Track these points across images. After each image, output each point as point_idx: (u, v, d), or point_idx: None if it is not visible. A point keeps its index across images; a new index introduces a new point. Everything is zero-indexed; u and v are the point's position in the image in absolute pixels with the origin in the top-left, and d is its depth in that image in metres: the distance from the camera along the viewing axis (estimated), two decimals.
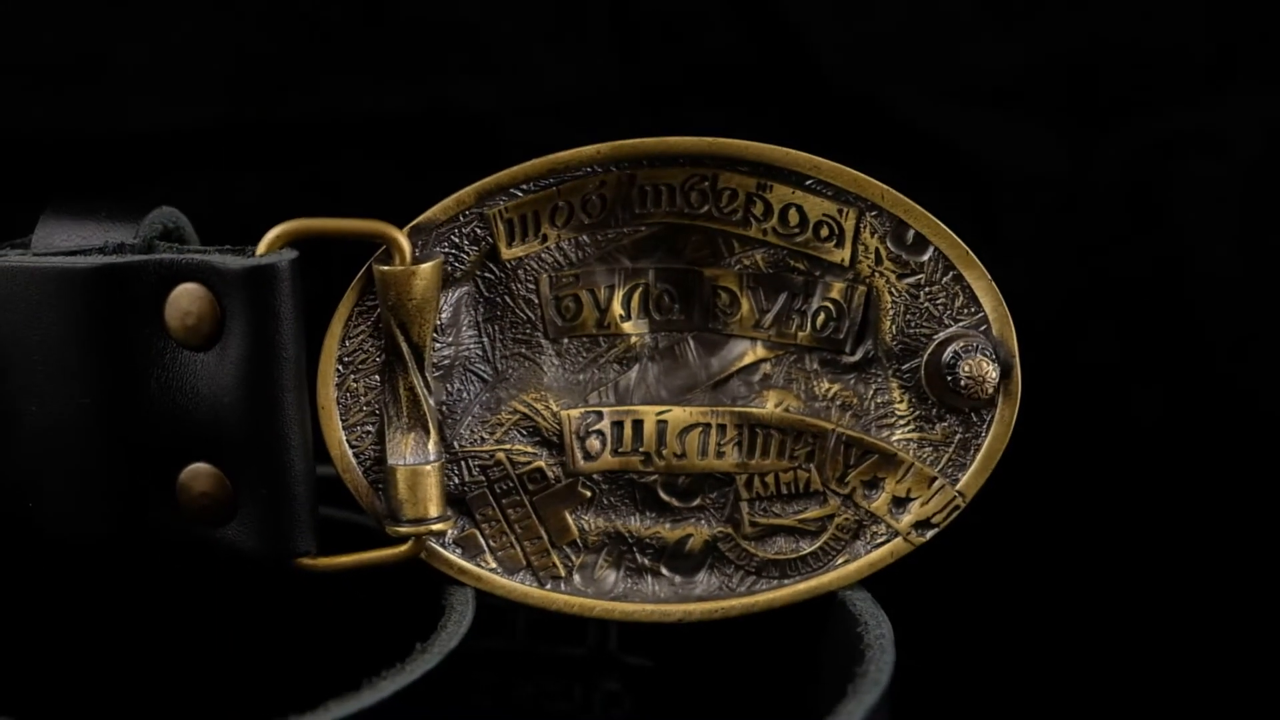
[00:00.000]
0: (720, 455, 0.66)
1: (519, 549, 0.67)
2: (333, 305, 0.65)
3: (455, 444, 0.66)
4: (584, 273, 0.66)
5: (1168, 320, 0.98)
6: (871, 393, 0.66)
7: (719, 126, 0.72)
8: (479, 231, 0.65)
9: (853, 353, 0.66)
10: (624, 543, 0.67)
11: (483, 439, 0.66)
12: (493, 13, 0.96)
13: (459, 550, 0.67)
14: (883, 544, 0.66)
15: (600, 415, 0.66)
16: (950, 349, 0.64)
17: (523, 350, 0.66)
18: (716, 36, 0.97)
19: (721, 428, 0.66)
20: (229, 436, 0.63)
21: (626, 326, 0.66)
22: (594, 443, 0.66)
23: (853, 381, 0.66)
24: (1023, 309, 0.97)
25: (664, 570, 0.67)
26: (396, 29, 0.96)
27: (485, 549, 0.67)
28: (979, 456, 0.65)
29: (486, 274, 0.66)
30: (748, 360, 0.66)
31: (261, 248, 0.63)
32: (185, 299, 0.62)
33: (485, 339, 0.66)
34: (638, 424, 0.66)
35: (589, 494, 0.67)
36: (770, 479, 0.66)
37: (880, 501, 0.66)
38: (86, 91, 0.95)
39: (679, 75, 0.97)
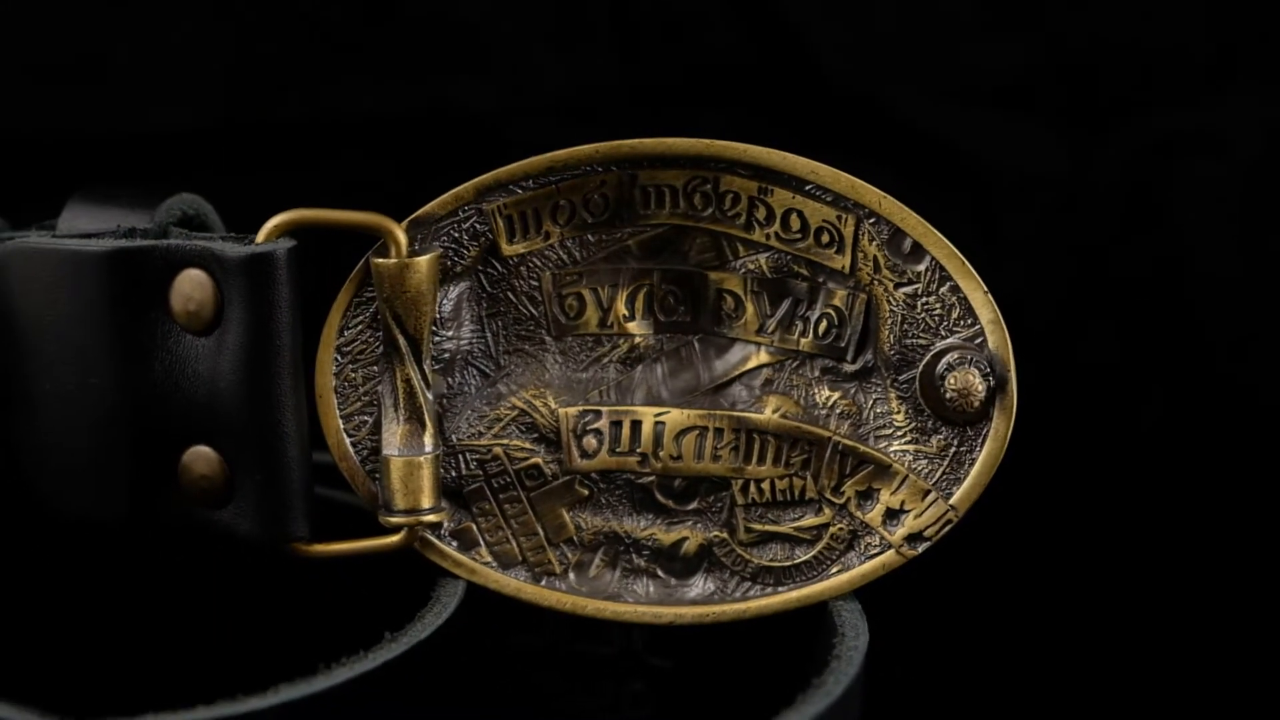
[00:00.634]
0: (716, 459, 0.66)
1: (515, 544, 0.67)
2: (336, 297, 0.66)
3: (454, 437, 0.66)
4: (588, 271, 0.66)
5: (1168, 320, 0.98)
6: (871, 402, 0.65)
7: (719, 127, 0.72)
8: (479, 227, 0.65)
9: (853, 361, 0.65)
10: (620, 543, 0.67)
11: (481, 433, 0.67)
12: (493, 13, 0.96)
13: (455, 543, 0.67)
14: (875, 555, 0.65)
15: (599, 414, 0.66)
16: (944, 361, 0.64)
17: (525, 346, 0.66)
18: (716, 36, 0.97)
19: (719, 431, 0.66)
20: (226, 420, 0.64)
21: (631, 327, 0.66)
22: (591, 441, 0.66)
23: (853, 390, 0.66)
24: (1022, 309, 0.98)
25: (659, 572, 0.67)
26: (396, 29, 0.96)
27: (481, 542, 0.67)
28: (973, 471, 0.65)
29: (489, 270, 0.66)
30: (750, 365, 0.66)
31: (260, 236, 0.64)
32: (188, 284, 0.64)
33: (488, 334, 0.66)
34: (636, 424, 0.66)
35: (586, 492, 0.67)
36: (766, 485, 0.66)
37: (874, 513, 0.65)
38: (87, 91, 0.96)
39: (679, 75, 0.97)
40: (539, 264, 0.66)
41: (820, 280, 0.65)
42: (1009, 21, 0.96)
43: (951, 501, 0.65)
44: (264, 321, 0.63)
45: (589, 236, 0.65)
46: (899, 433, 0.65)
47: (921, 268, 0.64)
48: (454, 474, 0.67)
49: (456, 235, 0.65)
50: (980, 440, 0.64)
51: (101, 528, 0.67)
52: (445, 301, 0.66)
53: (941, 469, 0.65)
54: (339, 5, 0.96)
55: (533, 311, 0.66)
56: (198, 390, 0.64)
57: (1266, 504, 0.97)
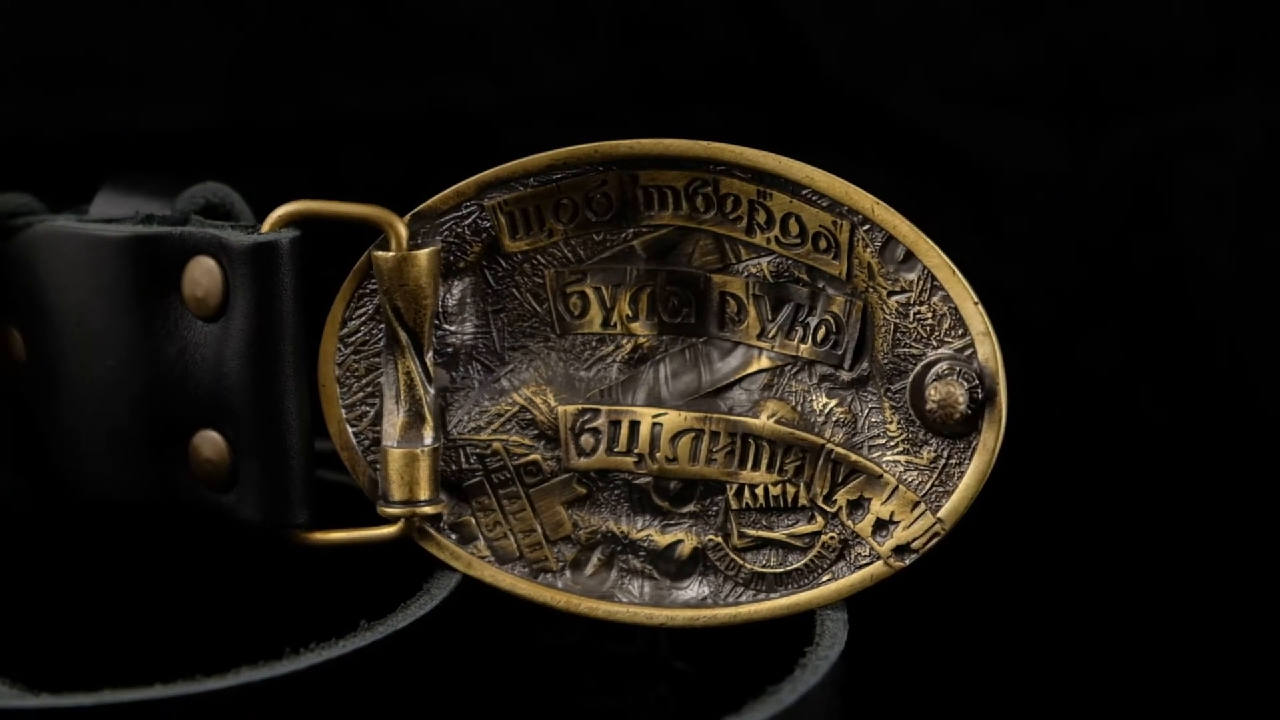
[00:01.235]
0: (711, 462, 0.66)
1: (513, 540, 0.67)
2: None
3: (455, 431, 0.66)
4: (592, 270, 0.66)
5: (1168, 320, 0.98)
6: (866, 411, 0.65)
7: (719, 127, 0.72)
8: (481, 223, 0.65)
9: (851, 369, 0.65)
10: (617, 543, 0.67)
11: (481, 428, 0.67)
12: (493, 13, 0.96)
13: (454, 536, 0.67)
14: (865, 566, 0.65)
15: (597, 413, 0.66)
16: (932, 372, 0.63)
17: (528, 343, 0.66)
18: (716, 36, 0.97)
19: (715, 435, 0.66)
20: (229, 406, 0.65)
21: (635, 327, 0.66)
22: (588, 439, 0.66)
23: (849, 399, 0.65)
24: (1022, 308, 0.98)
25: (654, 574, 0.67)
26: (396, 29, 0.96)
27: (480, 536, 0.67)
28: (960, 485, 0.64)
29: (493, 265, 0.66)
30: (751, 369, 0.66)
31: (266, 226, 0.65)
32: (197, 271, 0.65)
33: (492, 329, 0.66)
34: (634, 425, 0.66)
35: (584, 491, 0.67)
36: (760, 491, 0.65)
37: (865, 523, 0.64)
38: (87, 91, 0.96)
39: (679, 75, 0.97)
40: (543, 261, 0.66)
41: (820, 286, 0.65)
42: (1009, 21, 0.97)
43: (939, 515, 0.64)
44: (267, 309, 0.64)
45: (593, 236, 0.65)
46: (892, 443, 0.64)
47: (913, 276, 0.63)
48: (454, 467, 0.67)
49: (460, 230, 0.65)
50: (970, 454, 0.63)
51: (119, 508, 0.69)
52: (450, 295, 0.66)
53: (931, 481, 0.64)
54: (339, 5, 0.96)
55: (536, 308, 0.66)
56: (205, 375, 0.65)
57: (1267, 504, 0.97)
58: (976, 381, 0.63)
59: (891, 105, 0.97)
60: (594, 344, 0.66)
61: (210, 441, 0.66)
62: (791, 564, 0.65)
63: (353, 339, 0.66)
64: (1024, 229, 0.97)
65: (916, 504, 0.64)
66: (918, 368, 0.63)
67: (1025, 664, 0.90)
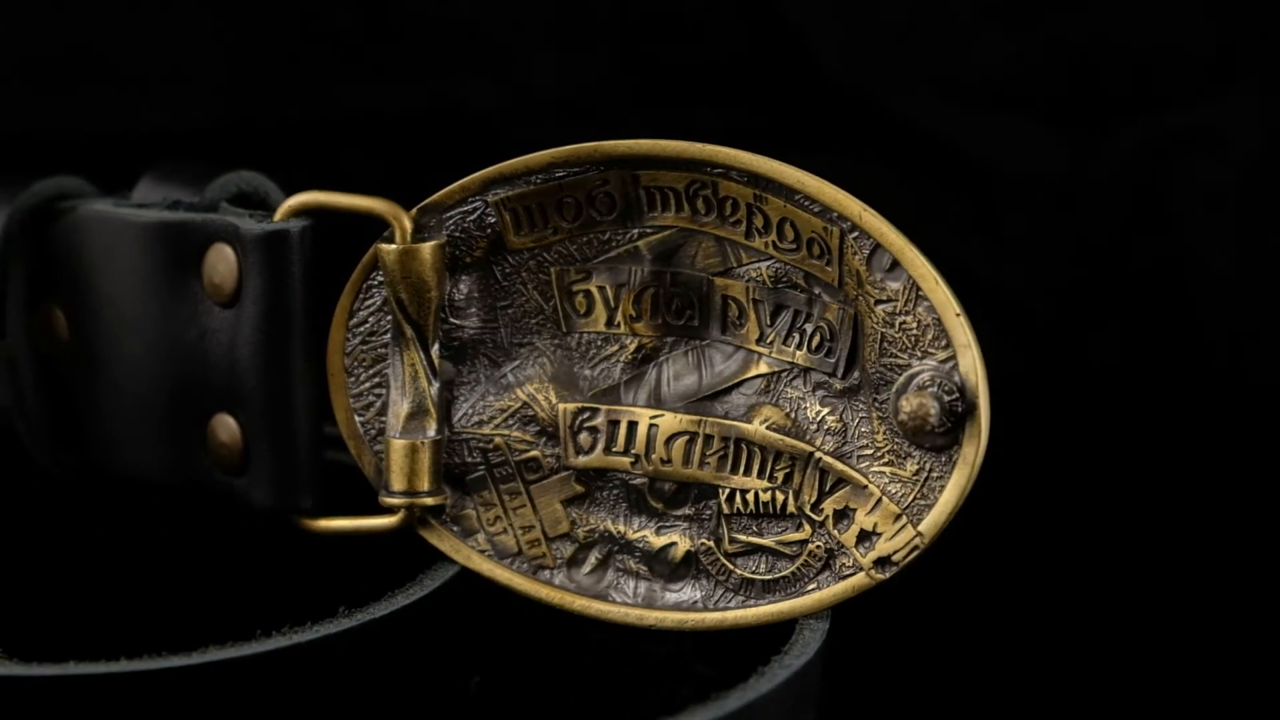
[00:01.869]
0: (704, 466, 0.66)
1: (513, 535, 0.67)
2: None
3: (460, 424, 0.66)
4: (597, 270, 0.66)
5: (1168, 320, 0.98)
6: (856, 421, 0.64)
7: (719, 127, 0.72)
8: (487, 219, 0.65)
9: (843, 377, 0.64)
10: (614, 543, 0.67)
11: (485, 422, 0.67)
12: (493, 13, 0.96)
13: (456, 528, 0.67)
14: (848, 577, 0.64)
15: (596, 412, 0.66)
16: (913, 383, 0.62)
17: (533, 339, 0.66)
18: (716, 36, 0.97)
19: (708, 438, 0.66)
20: (240, 390, 0.66)
21: (638, 327, 0.66)
22: (586, 438, 0.66)
23: (841, 408, 0.64)
24: (1022, 308, 0.98)
25: (649, 575, 0.66)
26: (397, 29, 0.96)
27: (480, 530, 0.67)
28: (940, 499, 0.63)
29: (500, 261, 0.66)
30: (750, 374, 0.65)
31: (277, 216, 0.66)
32: (216, 257, 0.66)
33: (500, 324, 0.66)
34: (632, 425, 0.66)
35: (582, 489, 0.67)
36: (750, 496, 0.65)
37: (850, 533, 0.64)
38: (86, 91, 0.96)
39: (679, 75, 0.97)
40: (549, 258, 0.66)
41: (816, 292, 0.64)
42: (1009, 21, 0.97)
43: (919, 528, 0.63)
44: (277, 296, 0.65)
45: (598, 235, 0.65)
46: (878, 454, 0.64)
47: (899, 285, 0.62)
48: (459, 461, 0.67)
49: (465, 225, 0.65)
50: (950, 468, 0.62)
51: (147, 488, 0.71)
52: (458, 289, 0.66)
53: (913, 494, 0.63)
54: (339, 5, 0.96)
55: (543, 305, 0.66)
56: (221, 360, 0.67)
57: (1267, 504, 0.97)
58: (956, 394, 0.62)
59: (891, 105, 0.97)
60: (599, 343, 0.66)
61: (225, 425, 0.67)
62: (780, 571, 0.65)
63: (361, 329, 0.66)
64: (1024, 229, 0.97)
65: (898, 516, 0.63)
66: (901, 378, 0.63)
67: (1025, 664, 0.90)
